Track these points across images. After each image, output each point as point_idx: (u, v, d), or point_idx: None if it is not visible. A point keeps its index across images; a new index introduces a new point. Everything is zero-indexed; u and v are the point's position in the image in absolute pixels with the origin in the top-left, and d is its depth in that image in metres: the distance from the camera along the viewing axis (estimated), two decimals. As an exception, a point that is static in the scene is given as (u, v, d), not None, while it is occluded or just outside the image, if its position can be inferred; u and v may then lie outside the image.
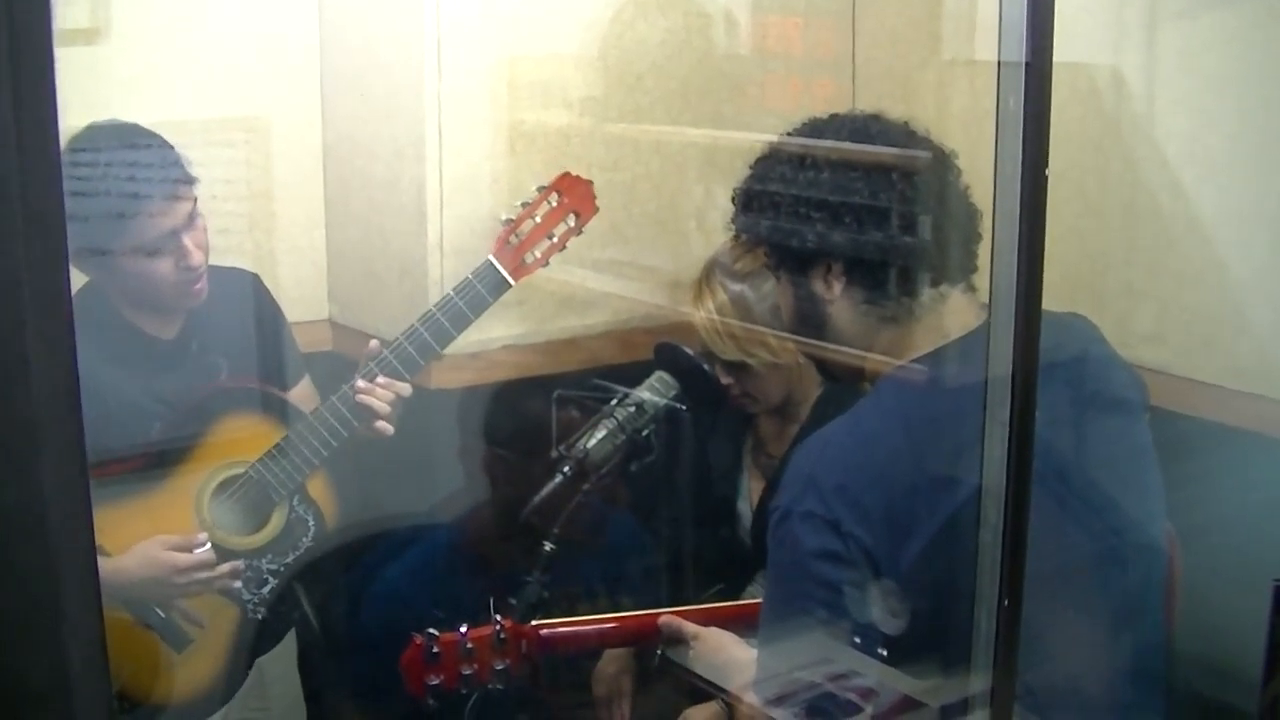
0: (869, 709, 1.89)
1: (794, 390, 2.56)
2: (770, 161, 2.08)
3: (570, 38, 2.89)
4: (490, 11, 2.78)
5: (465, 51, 2.74)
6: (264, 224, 2.97)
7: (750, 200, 2.10)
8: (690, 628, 2.25)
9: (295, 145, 3.00)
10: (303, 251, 3.05)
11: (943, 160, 2.00)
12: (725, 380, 2.55)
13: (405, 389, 2.55)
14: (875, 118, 2.05)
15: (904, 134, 2.02)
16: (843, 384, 2.23)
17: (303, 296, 3.03)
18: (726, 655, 2.20)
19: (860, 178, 1.96)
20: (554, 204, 2.64)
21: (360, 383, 2.53)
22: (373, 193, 2.93)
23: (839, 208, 1.96)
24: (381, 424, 2.55)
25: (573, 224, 2.65)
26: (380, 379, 2.54)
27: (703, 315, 2.53)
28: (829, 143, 2.03)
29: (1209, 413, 2.49)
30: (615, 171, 2.94)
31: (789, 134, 2.10)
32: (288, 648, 2.75)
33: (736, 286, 2.51)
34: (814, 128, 2.08)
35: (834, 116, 2.09)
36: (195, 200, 2.46)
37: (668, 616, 2.29)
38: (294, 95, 2.98)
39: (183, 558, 2.46)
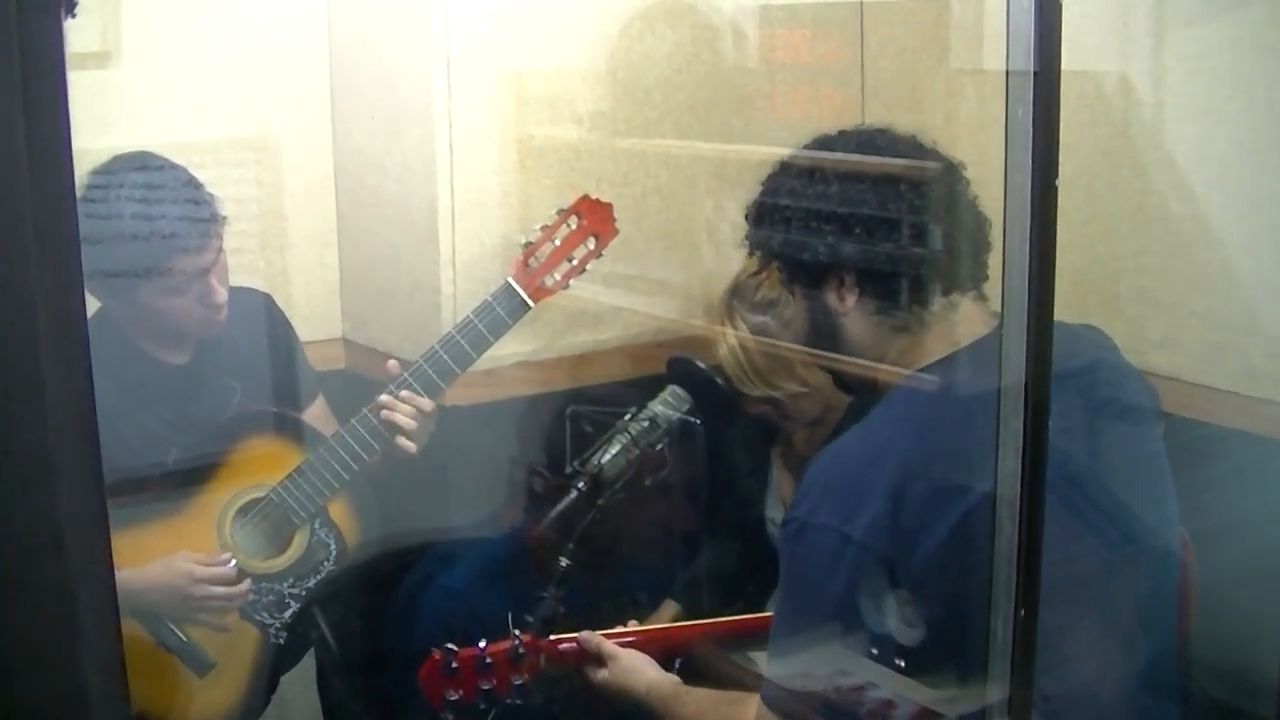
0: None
1: (829, 400, 2.53)
2: (780, 177, 2.09)
3: (579, 53, 2.90)
4: (499, 28, 2.78)
5: (474, 68, 2.75)
6: (276, 242, 2.98)
7: (762, 216, 2.10)
8: (610, 648, 2.28)
9: (306, 164, 3.01)
10: (315, 269, 3.06)
11: (950, 171, 2.00)
12: (758, 409, 2.53)
13: (428, 404, 2.55)
14: (883, 132, 2.06)
15: (912, 147, 2.03)
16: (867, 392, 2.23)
17: (315, 314, 3.04)
18: (642, 678, 2.24)
19: (868, 191, 1.97)
20: (573, 226, 2.63)
21: (384, 397, 2.53)
22: (384, 210, 2.94)
23: (849, 221, 1.97)
24: (403, 440, 2.55)
25: (592, 246, 2.64)
26: (404, 393, 2.53)
27: (726, 353, 2.51)
28: (838, 155, 2.04)
29: (1222, 418, 2.48)
30: (625, 186, 2.94)
31: (798, 151, 2.11)
32: (305, 666, 2.75)
33: (758, 318, 2.49)
34: (823, 144, 2.09)
35: (842, 133, 2.10)
36: (222, 237, 2.47)
37: (589, 634, 2.32)
38: (304, 114, 2.99)
39: (201, 569, 2.48)
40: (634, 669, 2.27)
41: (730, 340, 2.49)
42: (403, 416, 2.53)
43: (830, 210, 1.98)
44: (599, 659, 2.29)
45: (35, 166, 0.95)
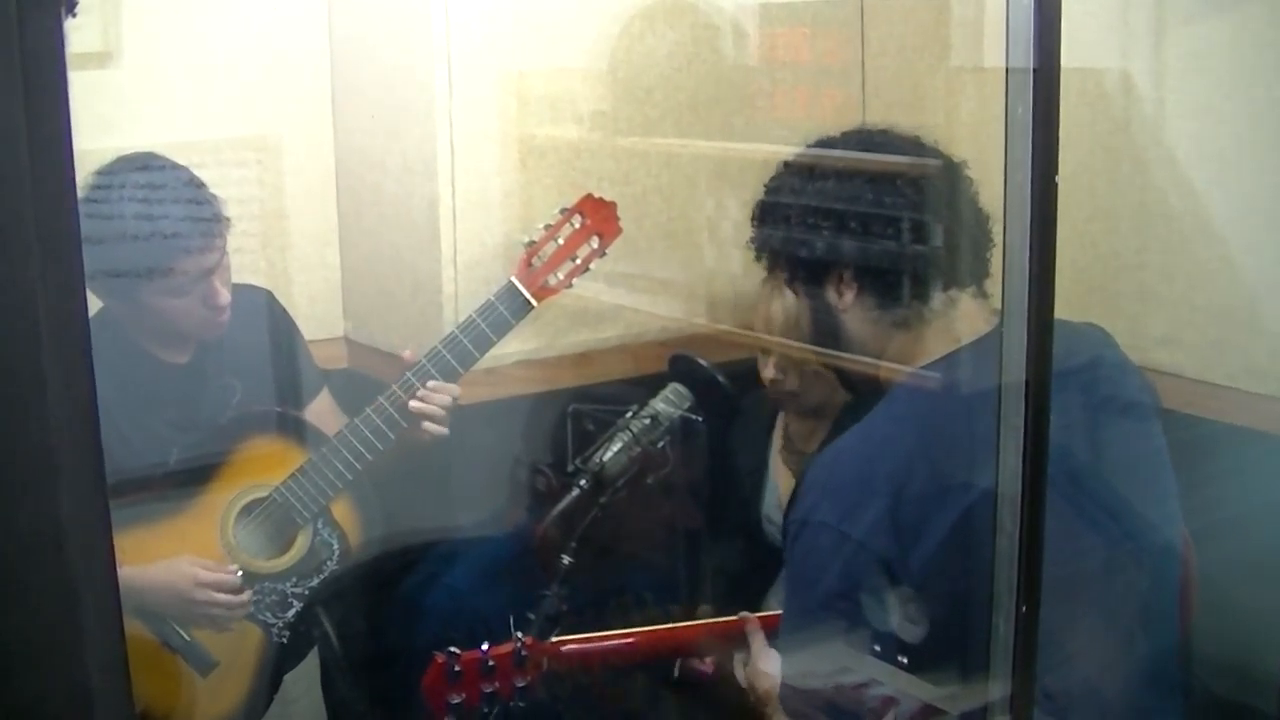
0: (890, 717, 1.89)
1: (833, 391, 2.53)
2: (782, 179, 2.11)
3: (579, 52, 2.90)
4: (499, 27, 2.78)
5: (475, 67, 2.75)
6: (277, 242, 2.98)
7: (764, 216, 2.12)
8: (760, 644, 2.25)
9: (307, 163, 3.01)
10: (316, 269, 3.06)
11: (950, 169, 2.00)
12: (773, 376, 2.54)
13: (455, 389, 2.55)
14: (885, 132, 2.07)
15: (913, 146, 2.04)
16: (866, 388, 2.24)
17: (316, 314, 3.04)
18: (768, 684, 2.21)
19: (869, 189, 1.98)
20: (577, 225, 2.63)
21: (420, 393, 2.54)
22: (385, 209, 2.94)
23: (850, 218, 1.98)
24: (433, 426, 2.55)
25: (596, 245, 2.64)
26: (432, 382, 2.54)
27: (765, 315, 2.51)
28: (838, 152, 2.05)
29: (1224, 414, 2.49)
30: (626, 185, 2.94)
31: (802, 151, 2.12)
32: (309, 665, 2.75)
33: None
34: (826, 145, 2.10)
35: (845, 134, 2.11)
36: (225, 238, 2.48)
37: (752, 619, 2.28)
38: (305, 113, 2.99)
39: (205, 574, 2.47)
40: (765, 673, 2.22)
41: (774, 304, 2.49)
42: (432, 407, 2.54)
43: (829, 209, 1.99)
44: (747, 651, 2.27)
45: (36, 167, 0.95)
